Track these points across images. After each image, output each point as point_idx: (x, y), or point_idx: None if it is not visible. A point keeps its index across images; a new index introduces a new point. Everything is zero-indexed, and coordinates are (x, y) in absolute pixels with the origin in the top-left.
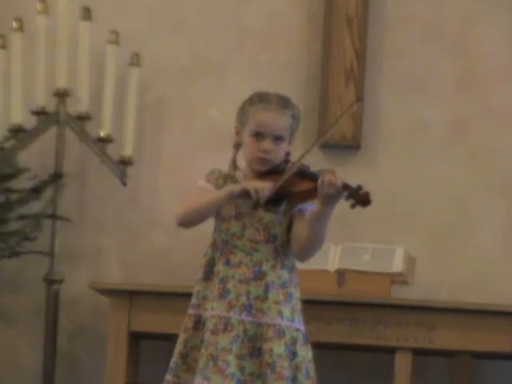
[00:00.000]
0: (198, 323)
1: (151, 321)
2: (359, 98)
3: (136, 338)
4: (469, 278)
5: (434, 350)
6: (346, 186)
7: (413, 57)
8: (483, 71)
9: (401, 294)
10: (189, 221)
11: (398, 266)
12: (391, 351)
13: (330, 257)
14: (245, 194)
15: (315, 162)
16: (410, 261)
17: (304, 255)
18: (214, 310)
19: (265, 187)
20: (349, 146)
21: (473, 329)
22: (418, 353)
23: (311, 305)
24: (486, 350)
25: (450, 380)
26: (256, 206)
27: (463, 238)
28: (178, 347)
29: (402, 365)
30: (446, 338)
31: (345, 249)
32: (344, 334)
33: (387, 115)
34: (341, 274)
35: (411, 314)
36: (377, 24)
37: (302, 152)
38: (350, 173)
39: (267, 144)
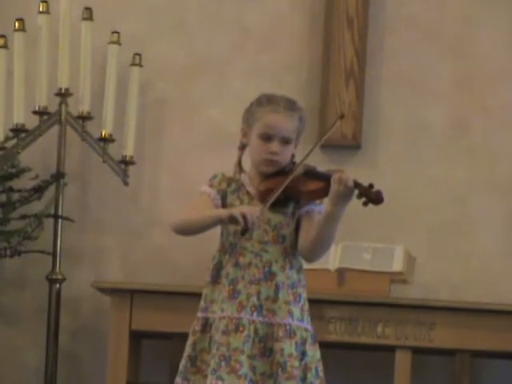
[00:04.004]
0: (206, 326)
1: (152, 320)
2: (341, 115)
3: (137, 337)
4: (468, 277)
5: (434, 348)
6: (357, 185)
7: (413, 57)
8: (483, 71)
9: (401, 293)
10: (182, 232)
11: (397, 265)
12: (391, 350)
13: (331, 256)
14: (232, 219)
15: (316, 162)
16: (410, 260)
17: (312, 256)
18: (224, 312)
19: (253, 211)
20: (349, 145)
21: (472, 328)
22: (417, 351)
23: (311, 304)
24: (485, 349)
25: (450, 379)
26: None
27: (463, 237)
28: (187, 350)
29: (402, 364)
30: (445, 336)
31: (345, 248)
32: (344, 333)
33: (387, 115)
34: (341, 273)
35: (411, 312)
36: (377, 24)
37: (304, 153)
38: (351, 172)
39: (275, 146)
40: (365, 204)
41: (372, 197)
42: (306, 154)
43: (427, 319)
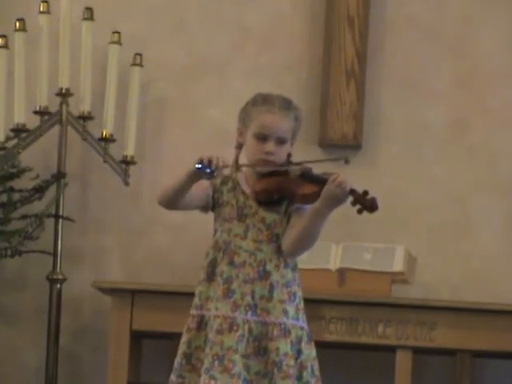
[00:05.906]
0: (201, 323)
1: (153, 320)
2: (346, 160)
3: (138, 337)
4: (469, 277)
5: (435, 348)
6: (352, 191)
7: (413, 57)
8: (483, 71)
9: (401, 293)
10: (164, 203)
11: (398, 265)
12: (392, 350)
13: (332, 256)
14: (199, 162)
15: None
16: (411, 260)
17: (293, 251)
18: (218, 311)
19: (223, 158)
20: (349, 145)
21: (473, 328)
22: (418, 352)
23: (312, 304)
24: (486, 349)
25: (451, 379)
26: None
27: (463, 237)
28: (182, 347)
29: (403, 364)
30: (446, 336)
31: (346, 248)
32: (344, 333)
33: (388, 115)
34: (342, 273)
35: (412, 312)
36: (378, 24)
37: (301, 152)
38: (351, 173)
39: (270, 146)
40: (359, 212)
41: (366, 204)
42: (298, 162)
43: (428, 319)
